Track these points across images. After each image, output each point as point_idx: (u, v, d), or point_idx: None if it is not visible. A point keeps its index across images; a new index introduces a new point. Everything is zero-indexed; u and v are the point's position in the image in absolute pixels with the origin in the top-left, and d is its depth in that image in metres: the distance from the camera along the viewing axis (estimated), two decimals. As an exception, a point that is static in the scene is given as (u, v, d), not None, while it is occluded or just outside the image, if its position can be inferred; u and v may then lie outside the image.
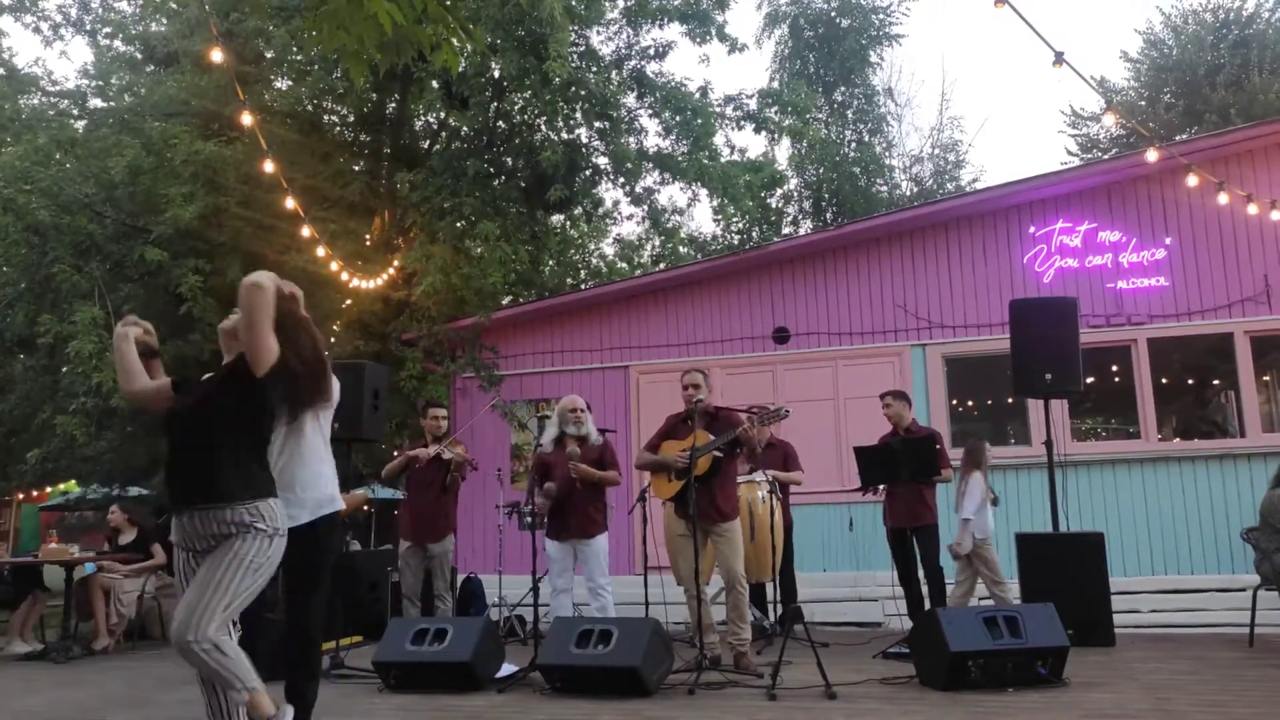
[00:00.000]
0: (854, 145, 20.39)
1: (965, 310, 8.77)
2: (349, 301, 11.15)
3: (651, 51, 12.02)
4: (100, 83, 13.31)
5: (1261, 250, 8.22)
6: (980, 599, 6.65)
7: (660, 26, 11.93)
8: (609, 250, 18.45)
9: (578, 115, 11.58)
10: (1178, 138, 16.48)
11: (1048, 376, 6.63)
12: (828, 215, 19.64)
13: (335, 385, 3.99)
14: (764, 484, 6.59)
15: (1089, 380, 8.03)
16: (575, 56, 11.11)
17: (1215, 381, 9.44)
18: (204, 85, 10.89)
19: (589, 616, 5.72)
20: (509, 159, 12.15)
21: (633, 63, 12.01)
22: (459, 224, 11.12)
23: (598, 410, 7.98)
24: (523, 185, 11.76)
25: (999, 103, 43.88)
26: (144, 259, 9.92)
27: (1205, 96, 19.28)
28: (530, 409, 9.63)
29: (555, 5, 9.78)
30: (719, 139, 12.18)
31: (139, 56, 13.13)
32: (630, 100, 11.78)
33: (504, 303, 11.75)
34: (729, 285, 9.46)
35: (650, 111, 11.87)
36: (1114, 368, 8.83)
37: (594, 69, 11.36)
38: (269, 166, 7.27)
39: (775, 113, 12.53)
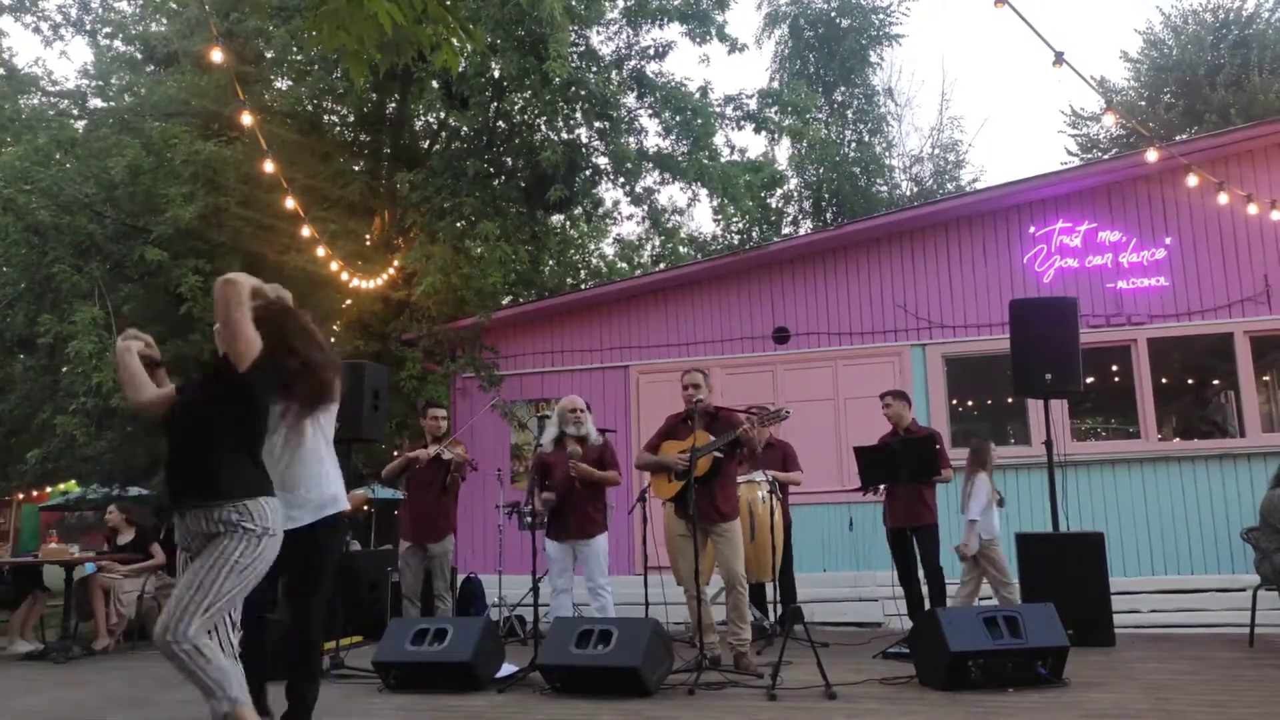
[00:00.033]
0: (854, 145, 20.39)
1: (965, 310, 8.77)
2: (349, 301, 11.16)
3: (651, 51, 12.03)
4: (100, 83, 13.32)
5: (1261, 250, 8.22)
6: (981, 599, 6.65)
7: (660, 26, 11.95)
8: (609, 250, 18.47)
9: (578, 115, 11.58)
10: (1178, 138, 16.48)
11: (1048, 376, 6.63)
12: (828, 215, 19.64)
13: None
14: (764, 484, 6.59)
15: (1089, 380, 8.04)
16: (575, 56, 11.11)
17: (1215, 381, 9.45)
18: (204, 85, 10.90)
19: (589, 617, 5.72)
20: (509, 159, 12.15)
21: (633, 63, 12.02)
22: (459, 224, 11.12)
23: (598, 410, 7.98)
24: (523, 185, 11.76)
25: (999, 103, 43.92)
26: (144, 259, 9.93)
27: (1205, 96, 19.28)
28: (530, 409, 9.63)
29: (555, 5, 9.78)
30: (719, 139, 12.21)
31: (139, 56, 13.14)
32: (630, 100, 11.78)
33: (504, 303, 11.75)
34: (729, 285, 9.46)
35: (650, 111, 11.88)
36: (1114, 368, 8.83)
37: (594, 69, 11.36)
38: (269, 166, 7.28)
39: (775, 113, 12.53)
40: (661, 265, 16.10)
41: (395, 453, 7.38)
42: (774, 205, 19.50)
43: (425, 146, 13.47)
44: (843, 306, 9.10)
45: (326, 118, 13.12)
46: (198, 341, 9.86)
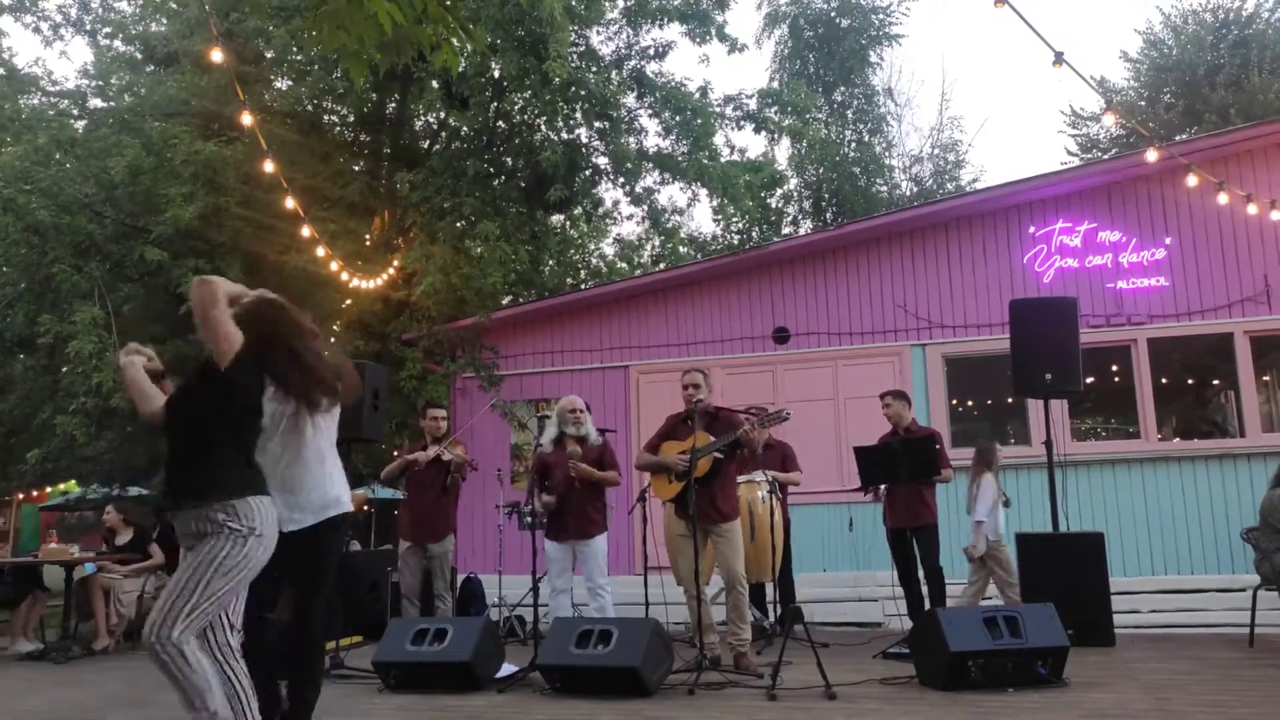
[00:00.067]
0: (854, 145, 20.39)
1: (965, 310, 8.77)
2: (349, 301, 11.16)
3: (651, 51, 12.03)
4: (100, 83, 13.32)
5: (1261, 250, 8.22)
6: (984, 599, 6.65)
7: (660, 26, 11.95)
8: (609, 250, 18.47)
9: (578, 115, 11.58)
10: (1178, 138, 16.48)
11: (1048, 376, 6.63)
12: (828, 215, 19.65)
13: None
14: (764, 484, 6.59)
15: (1089, 380, 8.04)
16: (575, 56, 11.11)
17: (1215, 381, 9.45)
18: (204, 85, 10.90)
19: (589, 617, 5.72)
20: (509, 159, 12.15)
21: (633, 63, 12.02)
22: (459, 224, 11.12)
23: (597, 410, 7.98)
24: (523, 185, 11.76)
25: (999, 103, 43.92)
26: (144, 259, 9.93)
27: (1205, 96, 19.28)
28: (530, 409, 9.63)
29: (555, 5, 9.78)
30: (719, 139, 12.21)
31: (139, 56, 13.14)
32: (630, 100, 11.78)
33: (504, 303, 11.75)
34: (729, 285, 9.46)
35: (650, 111, 11.88)
36: (1114, 368, 8.83)
37: (594, 69, 11.36)
38: (269, 166, 7.27)
39: (775, 113, 12.54)
40: (661, 265, 16.11)
41: (395, 453, 7.38)
42: (774, 205, 19.50)
43: (425, 146, 13.47)
44: (843, 306, 9.10)
45: (326, 118, 13.13)
46: (198, 341, 9.84)
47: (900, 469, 6.27)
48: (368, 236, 12.01)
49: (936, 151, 21.78)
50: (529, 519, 6.38)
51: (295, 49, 11.55)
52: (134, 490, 12.07)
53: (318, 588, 3.84)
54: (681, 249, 17.06)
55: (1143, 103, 21.09)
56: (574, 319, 9.83)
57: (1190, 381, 9.96)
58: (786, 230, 19.62)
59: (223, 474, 3.20)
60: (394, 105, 12.71)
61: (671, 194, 27.38)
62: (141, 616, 7.90)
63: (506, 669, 5.42)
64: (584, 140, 11.86)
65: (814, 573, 8.30)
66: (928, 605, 6.21)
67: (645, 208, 12.32)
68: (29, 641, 7.49)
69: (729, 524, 5.56)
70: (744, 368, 9.12)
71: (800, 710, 4.46)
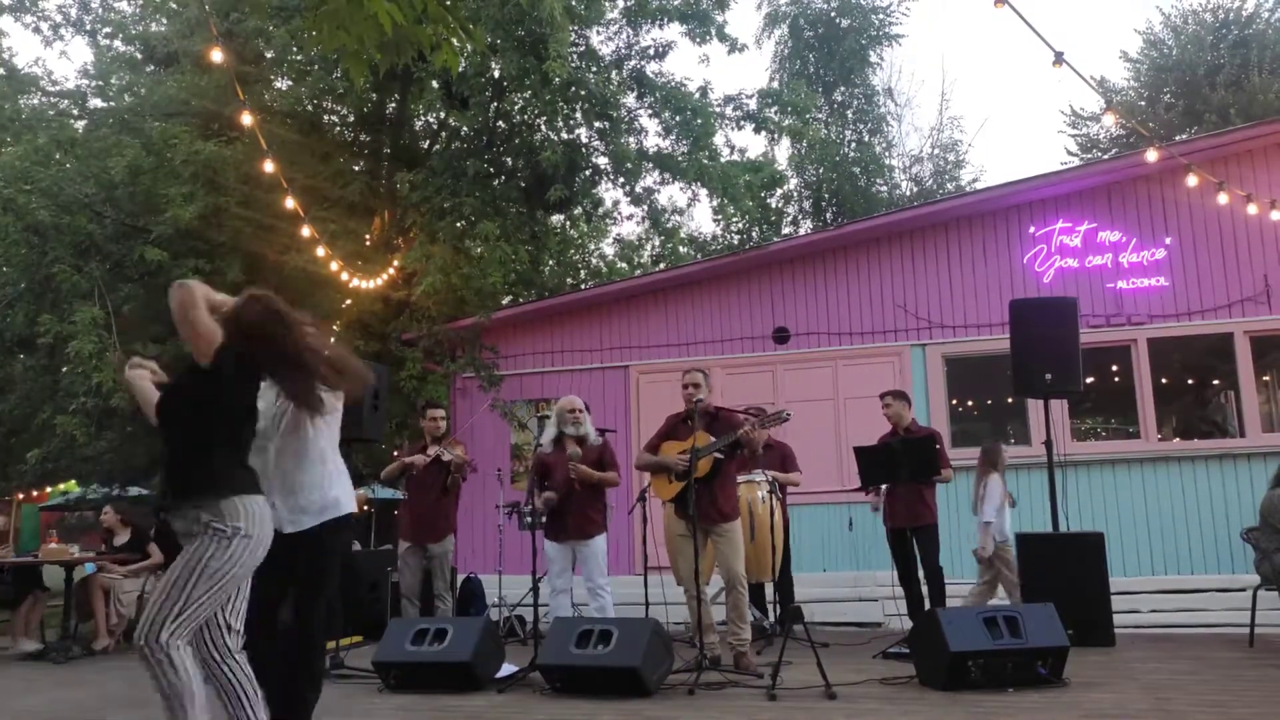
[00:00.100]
0: (854, 145, 20.40)
1: (965, 310, 8.77)
2: (349, 301, 11.15)
3: (651, 51, 12.03)
4: (100, 83, 13.32)
5: (1261, 250, 8.22)
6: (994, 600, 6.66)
7: (660, 26, 11.95)
8: (609, 250, 18.47)
9: (578, 115, 11.58)
10: (1178, 138, 16.48)
11: (1048, 376, 6.62)
12: (828, 215, 19.65)
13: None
14: (764, 484, 6.59)
15: (1089, 380, 8.03)
16: (575, 56, 11.11)
17: (1215, 381, 9.45)
18: (204, 85, 10.90)
19: (589, 617, 5.72)
20: (509, 159, 12.15)
21: (633, 63, 12.02)
22: (459, 224, 11.12)
23: (597, 410, 7.98)
24: (523, 185, 11.76)
25: (999, 103, 43.92)
26: (144, 259, 9.93)
27: (1205, 96, 19.28)
28: (530, 409, 9.63)
29: (555, 5, 9.78)
30: (719, 139, 12.21)
31: (139, 56, 13.14)
32: (630, 100, 11.78)
33: (504, 303, 11.75)
34: (729, 285, 9.46)
35: (650, 111, 11.88)
36: (1114, 368, 8.83)
37: (594, 69, 11.36)
38: (269, 166, 7.27)
39: (775, 113, 12.53)
40: (661, 265, 16.10)
41: (395, 453, 7.38)
42: (774, 205, 19.50)
43: (425, 146, 13.47)
44: (843, 306, 9.10)
45: (326, 118, 13.12)
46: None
47: (900, 469, 6.27)
48: (368, 236, 12.01)
49: (936, 151, 21.80)
50: (529, 519, 6.38)
51: (295, 49, 11.55)
52: (134, 490, 12.07)
53: (319, 589, 3.84)
54: (681, 249, 17.06)
55: (1143, 103, 21.09)
56: (574, 319, 9.83)
57: (1190, 381, 9.96)
58: (786, 230, 19.62)
59: (209, 473, 3.12)
60: (394, 105, 12.71)
61: (671, 194, 27.40)
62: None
63: (506, 669, 5.42)
64: (584, 140, 11.86)
65: (814, 573, 8.29)
66: (928, 605, 6.21)
67: (645, 208, 12.33)
68: (31, 641, 7.50)
69: (729, 524, 5.56)
70: (744, 368, 9.12)
71: (800, 710, 4.46)
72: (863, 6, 20.75)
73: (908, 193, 20.95)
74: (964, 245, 8.92)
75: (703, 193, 12.36)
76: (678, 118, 11.53)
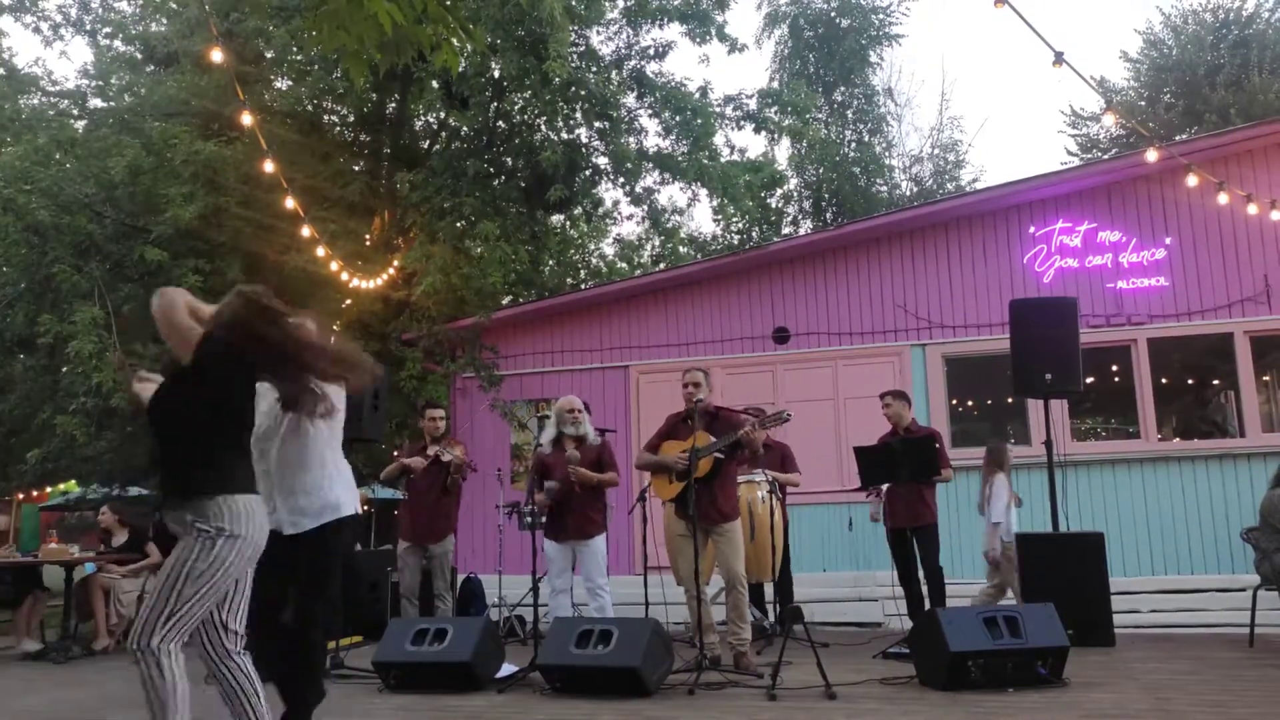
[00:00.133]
0: (854, 145, 20.40)
1: (965, 310, 8.77)
2: (349, 301, 11.15)
3: (651, 51, 12.03)
4: (100, 83, 13.31)
5: (1261, 250, 8.22)
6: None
7: (660, 26, 11.95)
8: (609, 250, 18.47)
9: (578, 115, 11.58)
10: (1178, 138, 16.48)
11: (1048, 376, 6.63)
12: (828, 215, 19.65)
13: (338, 391, 3.94)
14: (764, 484, 6.59)
15: (1089, 380, 8.04)
16: (575, 56, 11.11)
17: (1215, 381, 9.45)
18: (204, 85, 10.90)
19: (589, 617, 5.72)
20: (509, 159, 12.15)
21: (633, 63, 12.02)
22: (459, 224, 11.12)
23: (597, 410, 7.98)
24: (523, 185, 11.76)
25: (999, 103, 43.92)
26: (144, 259, 9.93)
27: (1205, 96, 19.28)
28: (530, 409, 9.63)
29: (555, 5, 9.78)
30: (719, 139, 12.21)
31: (139, 56, 13.14)
32: (630, 100, 11.78)
33: (504, 303, 11.75)
34: (729, 285, 9.46)
35: (650, 111, 11.88)
36: (1114, 368, 8.83)
37: (594, 69, 11.36)
38: (269, 166, 7.28)
39: (775, 113, 12.54)
40: (661, 265, 16.10)
41: (395, 453, 7.38)
42: (774, 205, 19.50)
43: (425, 146, 13.47)
44: (843, 306, 9.10)
45: (326, 118, 13.12)
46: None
47: (900, 469, 6.27)
48: (368, 236, 12.01)
49: (936, 151, 21.80)
50: (529, 519, 6.38)
51: (295, 49, 11.55)
52: (134, 490, 12.07)
53: (319, 590, 3.84)
54: (681, 249, 17.06)
55: (1143, 103, 21.09)
56: (574, 319, 9.83)
57: (1190, 381, 9.96)
58: (786, 230, 19.62)
59: (194, 473, 3.08)
60: (394, 105, 12.71)
61: (671, 194, 27.41)
62: (141, 616, 7.90)
63: (506, 669, 5.41)
64: (584, 140, 11.86)
65: (814, 573, 8.29)
66: (928, 605, 6.21)
67: (645, 208, 12.33)
68: (31, 641, 7.50)
69: (729, 524, 5.56)
70: (744, 368, 9.12)
71: (800, 710, 4.46)
72: (863, 6, 20.75)
73: (908, 193, 20.95)
74: (964, 245, 8.93)
75: (703, 193, 12.37)
76: (678, 118, 11.53)
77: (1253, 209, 7.82)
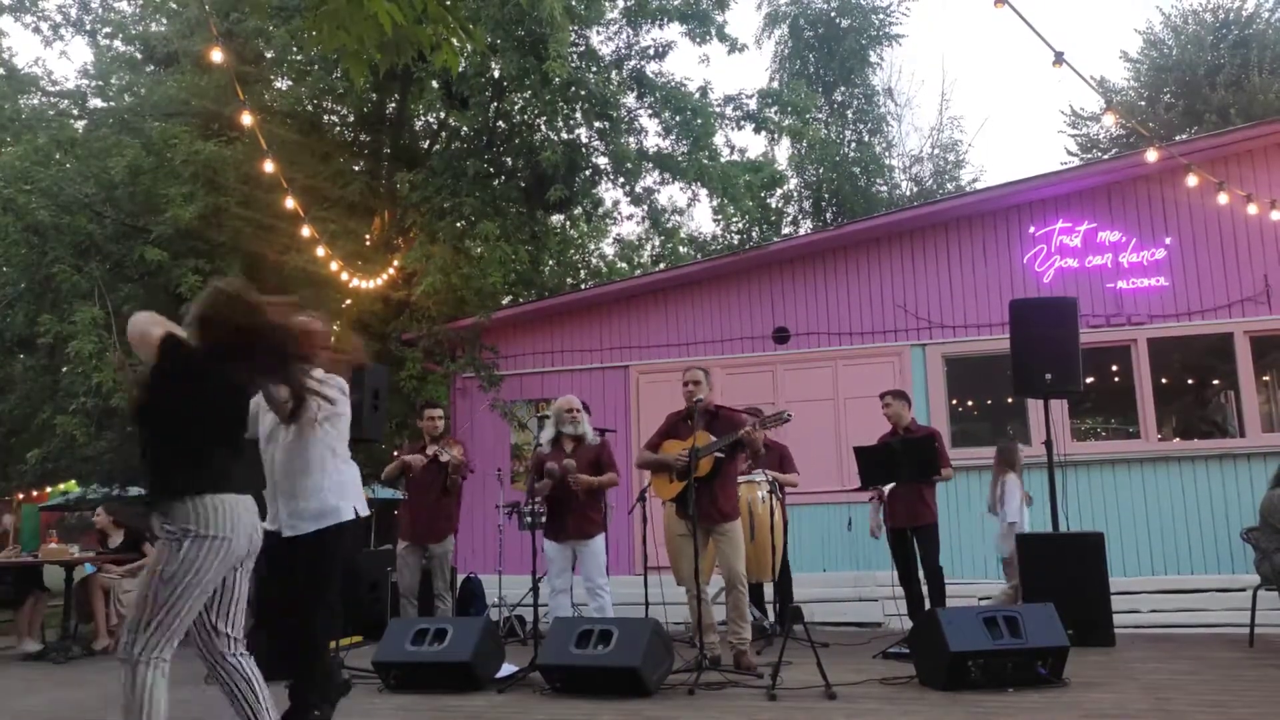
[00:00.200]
0: (854, 145, 20.39)
1: (965, 310, 8.77)
2: (349, 301, 11.15)
3: (651, 51, 12.03)
4: (100, 83, 13.31)
5: (1261, 250, 8.22)
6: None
7: (660, 26, 11.94)
8: (609, 250, 18.47)
9: (578, 115, 11.58)
10: (1178, 138, 16.48)
11: (1048, 376, 6.63)
12: (828, 215, 19.65)
13: (338, 394, 3.95)
14: (764, 484, 6.59)
15: (1089, 380, 8.03)
16: (575, 56, 11.11)
17: (1215, 381, 9.45)
18: (204, 85, 10.89)
19: (588, 617, 5.72)
20: (509, 159, 12.15)
21: (633, 63, 12.01)
22: (459, 224, 11.12)
23: (597, 410, 7.98)
24: (523, 185, 11.76)
25: (999, 103, 43.92)
26: (144, 259, 9.93)
27: (1205, 96, 19.28)
28: (530, 409, 9.63)
29: (555, 5, 9.78)
30: (719, 139, 12.20)
31: (139, 56, 13.13)
32: (630, 100, 11.78)
33: (504, 303, 11.75)
34: (729, 285, 9.46)
35: (650, 111, 11.87)
36: (1114, 368, 8.83)
37: (594, 69, 11.36)
38: (269, 166, 7.28)
39: (775, 113, 12.53)
40: (661, 265, 16.10)
41: (395, 453, 7.38)
42: (774, 205, 19.50)
43: (425, 146, 13.46)
44: (843, 306, 9.10)
45: (326, 118, 13.12)
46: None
47: (900, 469, 6.27)
48: (368, 236, 12.01)
49: (936, 151, 21.80)
50: (529, 519, 6.37)
51: (295, 49, 11.54)
52: (134, 490, 12.06)
53: (318, 592, 3.85)
54: (681, 249, 17.06)
55: (1143, 103, 21.09)
56: (574, 319, 9.83)
57: (1190, 381, 9.96)
58: (786, 230, 19.62)
59: (163, 475, 3.04)
60: (394, 105, 12.70)
61: (671, 194, 27.40)
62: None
63: (506, 669, 5.42)
64: (584, 140, 11.86)
65: (814, 573, 8.29)
66: (928, 605, 6.21)
67: (645, 208, 12.32)
68: (33, 641, 7.50)
69: (730, 523, 5.56)
70: (744, 368, 9.12)
71: (800, 710, 4.46)
72: (863, 6, 20.75)
73: (908, 193, 20.95)
74: (964, 245, 8.92)
75: (703, 193, 12.37)
76: (678, 118, 11.53)
77: (1253, 209, 7.82)
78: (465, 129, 12.58)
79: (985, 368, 8.82)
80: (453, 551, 6.82)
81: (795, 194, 20.11)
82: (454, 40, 4.21)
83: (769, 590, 7.15)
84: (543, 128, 11.71)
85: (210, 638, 3.09)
